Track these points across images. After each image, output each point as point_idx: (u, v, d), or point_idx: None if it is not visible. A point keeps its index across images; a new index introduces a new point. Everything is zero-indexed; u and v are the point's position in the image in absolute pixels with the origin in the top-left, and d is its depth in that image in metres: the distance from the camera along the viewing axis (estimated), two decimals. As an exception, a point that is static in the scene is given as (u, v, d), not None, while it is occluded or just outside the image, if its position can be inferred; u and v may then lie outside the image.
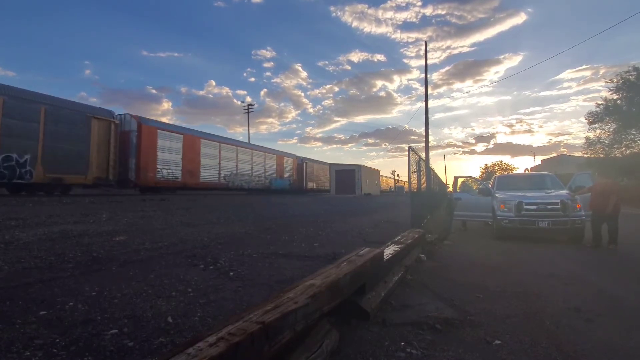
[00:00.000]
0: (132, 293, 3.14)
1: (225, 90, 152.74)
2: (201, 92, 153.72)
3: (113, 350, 2.09)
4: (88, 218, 7.73)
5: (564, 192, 8.65)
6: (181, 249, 5.16)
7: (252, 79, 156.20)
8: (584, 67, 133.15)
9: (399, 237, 5.18)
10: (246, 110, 45.30)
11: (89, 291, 3.13)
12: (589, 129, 29.97)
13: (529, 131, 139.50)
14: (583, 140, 31.65)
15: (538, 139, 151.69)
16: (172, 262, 4.36)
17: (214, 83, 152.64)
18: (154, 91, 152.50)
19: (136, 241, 5.53)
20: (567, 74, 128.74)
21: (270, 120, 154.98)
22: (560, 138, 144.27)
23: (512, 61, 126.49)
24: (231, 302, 3.04)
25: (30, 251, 4.50)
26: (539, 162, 63.62)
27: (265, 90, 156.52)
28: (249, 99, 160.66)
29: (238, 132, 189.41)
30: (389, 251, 4.05)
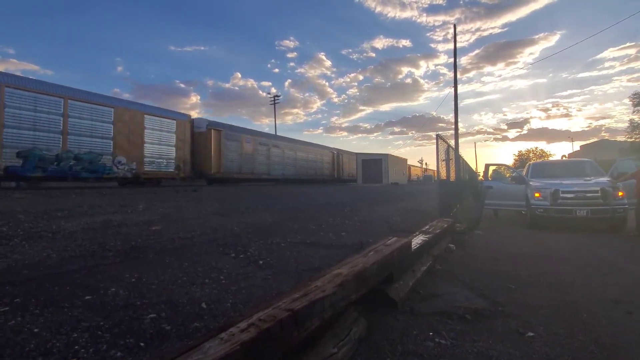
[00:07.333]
0: (168, 280, 3.29)
1: (251, 82, 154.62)
2: (227, 85, 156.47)
3: (152, 333, 2.22)
4: (126, 209, 8.11)
5: (604, 179, 8.20)
6: (212, 238, 5.33)
7: (276, 70, 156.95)
8: (627, 44, 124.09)
9: (427, 227, 5.11)
10: (272, 102, 45.25)
11: (129, 278, 3.31)
12: (634, 111, 28.23)
13: (567, 115, 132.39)
14: (627, 124, 29.81)
15: (576, 124, 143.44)
16: (205, 251, 4.53)
17: (239, 75, 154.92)
18: (182, 85, 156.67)
19: (171, 230, 5.77)
20: (609, 53, 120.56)
21: (295, 110, 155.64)
22: (601, 122, 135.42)
23: (548, 41, 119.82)
24: (261, 290, 3.13)
25: (75, 240, 4.80)
26: (578, 148, 60.33)
27: (290, 80, 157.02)
28: (273, 90, 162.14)
29: (264, 123, 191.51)
30: (416, 241, 4.01)
